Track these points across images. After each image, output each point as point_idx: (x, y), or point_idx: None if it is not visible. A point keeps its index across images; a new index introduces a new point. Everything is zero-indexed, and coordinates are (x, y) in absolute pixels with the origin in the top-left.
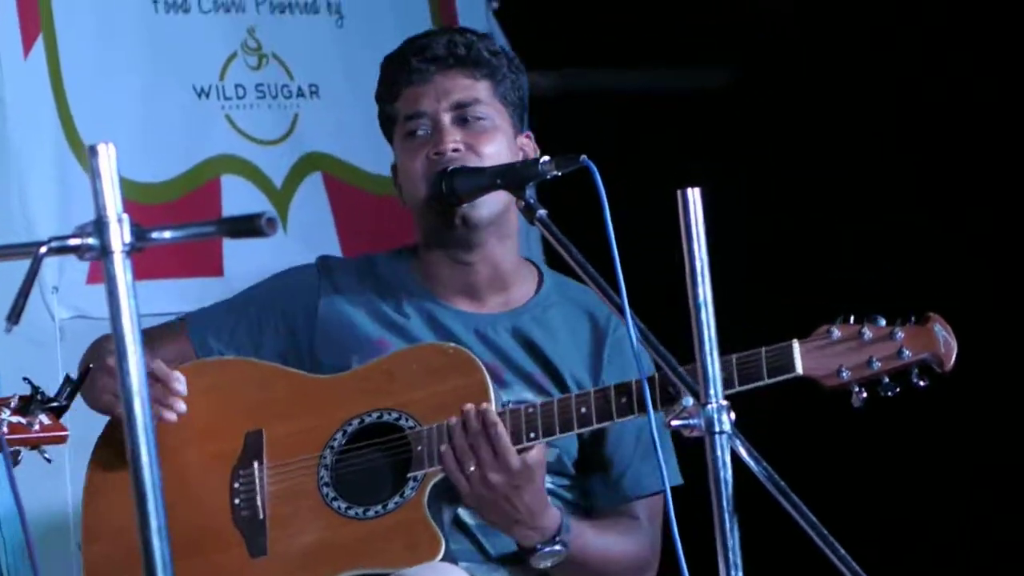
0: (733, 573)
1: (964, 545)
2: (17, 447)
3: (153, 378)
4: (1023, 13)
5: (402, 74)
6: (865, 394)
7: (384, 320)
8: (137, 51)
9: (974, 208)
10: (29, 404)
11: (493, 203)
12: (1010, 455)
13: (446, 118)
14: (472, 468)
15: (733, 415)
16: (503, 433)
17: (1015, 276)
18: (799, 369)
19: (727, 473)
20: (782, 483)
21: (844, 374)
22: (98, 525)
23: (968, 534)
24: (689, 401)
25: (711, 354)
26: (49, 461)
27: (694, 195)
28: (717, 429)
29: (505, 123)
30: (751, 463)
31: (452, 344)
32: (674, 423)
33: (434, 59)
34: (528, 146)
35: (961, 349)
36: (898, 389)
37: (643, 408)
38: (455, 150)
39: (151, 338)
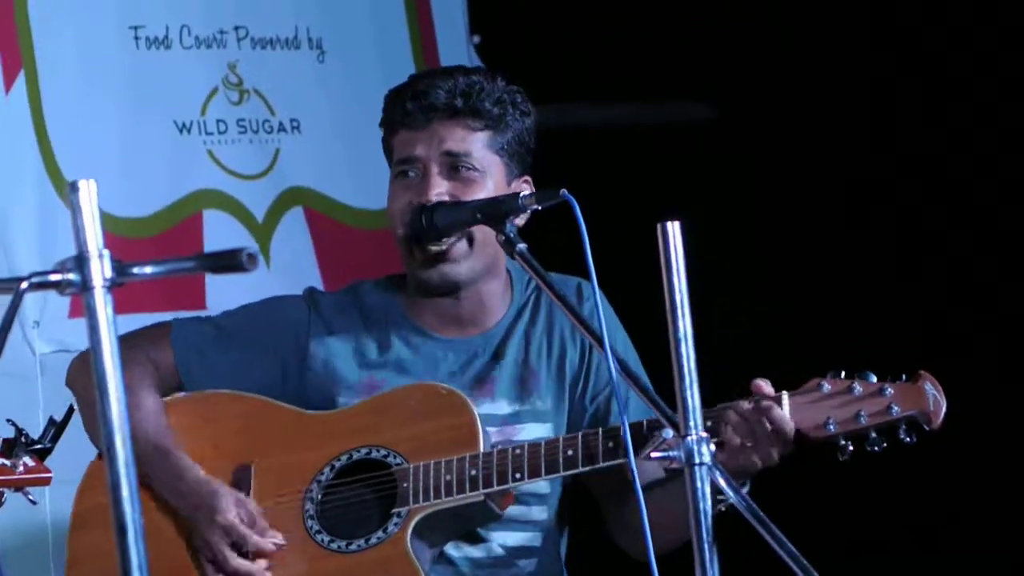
0: None
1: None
2: (0, 489)
3: (228, 537)
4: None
5: (398, 115)
6: (852, 448)
7: (371, 355)
8: (119, 86)
9: (956, 239)
10: (13, 446)
11: (476, 261)
12: (994, 492)
13: (435, 167)
14: (750, 444)
15: (713, 447)
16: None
17: (1005, 325)
18: None
19: (707, 504)
20: (761, 513)
21: (831, 427)
22: (82, 553)
23: (948, 565)
24: (669, 433)
25: (691, 387)
26: (34, 503)
27: (674, 228)
28: (697, 461)
29: (498, 172)
30: (731, 494)
31: (445, 385)
32: (654, 455)
33: (431, 108)
34: (525, 190)
35: (950, 404)
36: (885, 444)
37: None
38: (440, 199)
39: (139, 344)
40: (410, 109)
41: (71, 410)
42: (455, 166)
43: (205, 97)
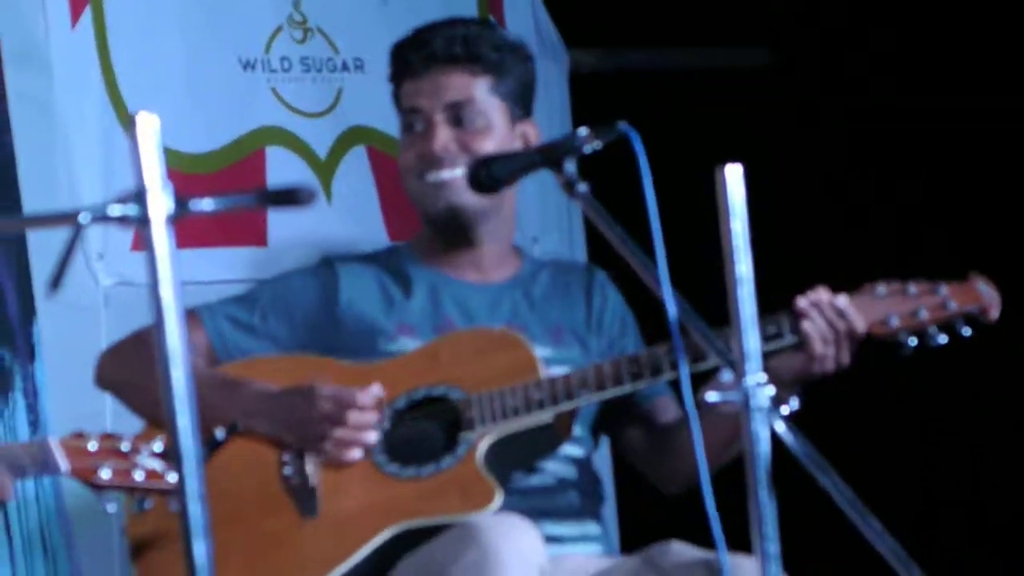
0: (767, 546)
1: (1001, 520)
2: (144, 496)
3: (335, 404)
4: None
5: (401, 66)
6: (915, 342)
7: (400, 303)
8: (184, 23)
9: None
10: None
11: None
12: None
13: (439, 117)
14: (831, 344)
15: (771, 390)
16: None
17: None
18: None
19: (764, 448)
20: (820, 458)
21: (893, 321)
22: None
23: (1006, 512)
24: (728, 376)
25: (749, 330)
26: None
27: (734, 172)
28: (755, 405)
29: (502, 117)
30: (789, 439)
31: (498, 327)
32: (712, 397)
33: (431, 56)
34: (530, 133)
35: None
36: (946, 339)
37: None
38: (445, 149)
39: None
40: (411, 59)
41: (233, 425)
42: (458, 115)
43: (269, 35)
